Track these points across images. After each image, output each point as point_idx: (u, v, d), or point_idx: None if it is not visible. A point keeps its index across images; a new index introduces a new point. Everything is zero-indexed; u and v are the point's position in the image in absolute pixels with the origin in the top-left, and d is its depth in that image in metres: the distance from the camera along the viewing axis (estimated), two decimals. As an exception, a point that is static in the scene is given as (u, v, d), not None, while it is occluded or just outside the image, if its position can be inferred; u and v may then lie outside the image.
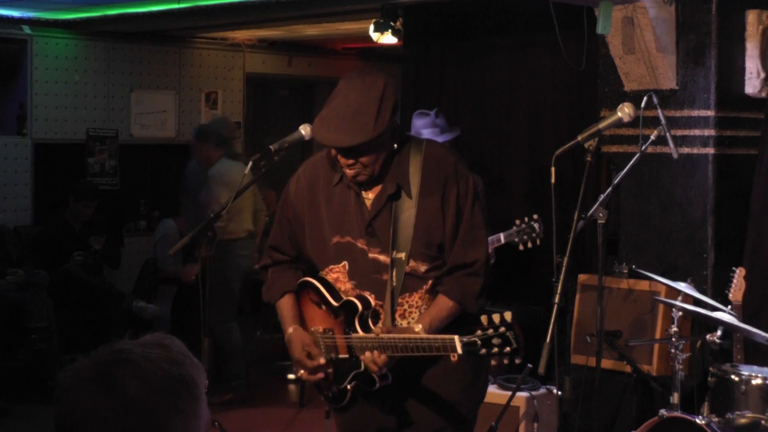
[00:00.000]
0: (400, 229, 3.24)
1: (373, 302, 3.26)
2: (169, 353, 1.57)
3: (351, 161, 3.18)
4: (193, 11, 7.91)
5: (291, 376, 7.73)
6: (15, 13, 8.53)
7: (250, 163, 3.80)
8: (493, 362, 2.87)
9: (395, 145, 3.28)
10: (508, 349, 2.80)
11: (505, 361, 2.83)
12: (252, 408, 7.12)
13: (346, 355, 3.29)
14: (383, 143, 3.20)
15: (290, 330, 3.40)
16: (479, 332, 2.83)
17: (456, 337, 2.89)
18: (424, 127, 5.89)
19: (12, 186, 8.66)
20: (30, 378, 7.18)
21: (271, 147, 3.69)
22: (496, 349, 2.81)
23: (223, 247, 7.01)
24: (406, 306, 3.28)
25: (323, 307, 3.36)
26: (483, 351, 2.83)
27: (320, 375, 3.33)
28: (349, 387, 3.31)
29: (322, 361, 3.31)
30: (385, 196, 3.26)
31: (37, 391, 7.07)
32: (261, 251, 7.36)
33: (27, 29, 8.70)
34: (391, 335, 3.11)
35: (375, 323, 3.23)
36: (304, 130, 3.72)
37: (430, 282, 3.30)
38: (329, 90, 3.28)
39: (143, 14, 8.24)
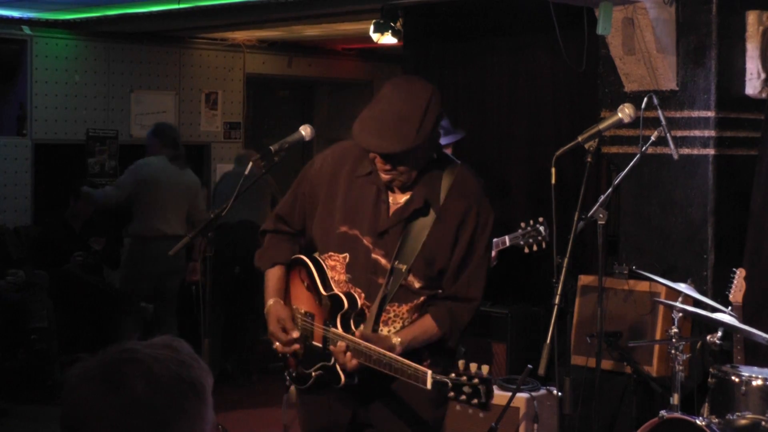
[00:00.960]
0: (409, 241, 3.21)
1: (360, 301, 3.24)
2: (178, 355, 1.57)
3: (388, 167, 3.16)
4: (193, 11, 7.91)
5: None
6: (15, 14, 8.52)
7: (250, 164, 3.79)
8: (457, 406, 2.88)
9: (435, 155, 3.26)
10: (475, 401, 2.79)
11: (470, 410, 2.83)
12: (252, 408, 7.12)
13: (320, 345, 3.27)
14: (423, 153, 3.18)
15: (271, 302, 3.37)
16: (453, 375, 2.82)
17: (429, 373, 2.87)
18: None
19: (12, 186, 8.66)
20: (30, 378, 7.18)
21: (271, 148, 3.68)
22: (464, 397, 2.80)
23: (138, 244, 7.24)
24: (392, 314, 3.25)
25: (311, 290, 3.34)
26: (451, 394, 2.82)
27: (296, 346, 3.30)
28: (313, 374, 3.30)
29: (295, 335, 3.28)
30: (411, 209, 3.24)
31: (37, 392, 7.07)
32: (188, 257, 7.34)
33: (27, 29, 8.69)
34: (369, 345, 3.08)
35: (358, 322, 3.21)
36: (304, 130, 3.71)
37: (422, 298, 3.27)
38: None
39: (143, 14, 8.23)
